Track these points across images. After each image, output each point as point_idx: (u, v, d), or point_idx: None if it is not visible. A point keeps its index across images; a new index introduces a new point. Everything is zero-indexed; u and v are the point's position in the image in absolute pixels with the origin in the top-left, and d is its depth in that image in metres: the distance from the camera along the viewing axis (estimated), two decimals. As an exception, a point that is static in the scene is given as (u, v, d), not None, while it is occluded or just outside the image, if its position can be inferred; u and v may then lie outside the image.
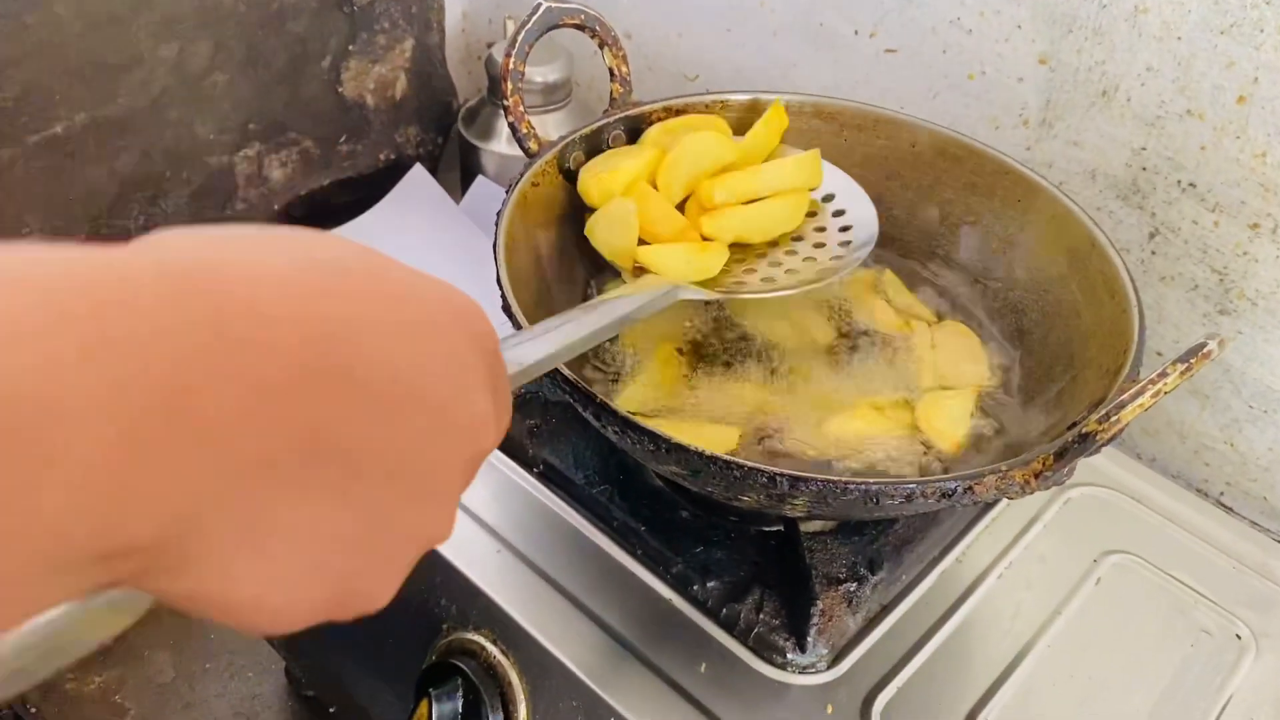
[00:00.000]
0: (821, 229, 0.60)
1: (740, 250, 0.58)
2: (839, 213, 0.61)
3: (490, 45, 0.97)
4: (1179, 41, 0.67)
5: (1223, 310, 0.71)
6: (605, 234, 0.55)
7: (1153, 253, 0.73)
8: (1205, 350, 0.40)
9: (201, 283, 0.22)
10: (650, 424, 0.44)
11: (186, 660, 0.68)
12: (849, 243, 0.58)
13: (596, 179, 0.57)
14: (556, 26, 0.59)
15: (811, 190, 0.61)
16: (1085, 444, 0.41)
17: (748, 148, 0.60)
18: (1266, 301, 0.69)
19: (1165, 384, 0.40)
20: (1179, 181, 0.70)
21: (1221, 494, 0.77)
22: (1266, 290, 0.69)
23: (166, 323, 0.21)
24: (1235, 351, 0.72)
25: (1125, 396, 0.40)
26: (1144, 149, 0.71)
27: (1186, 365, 0.40)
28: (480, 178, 0.96)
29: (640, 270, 0.55)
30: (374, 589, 0.26)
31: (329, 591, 0.25)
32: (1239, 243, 0.69)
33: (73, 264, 0.21)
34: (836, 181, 0.62)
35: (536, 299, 0.55)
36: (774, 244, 0.59)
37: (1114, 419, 0.40)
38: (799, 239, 0.60)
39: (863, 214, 0.60)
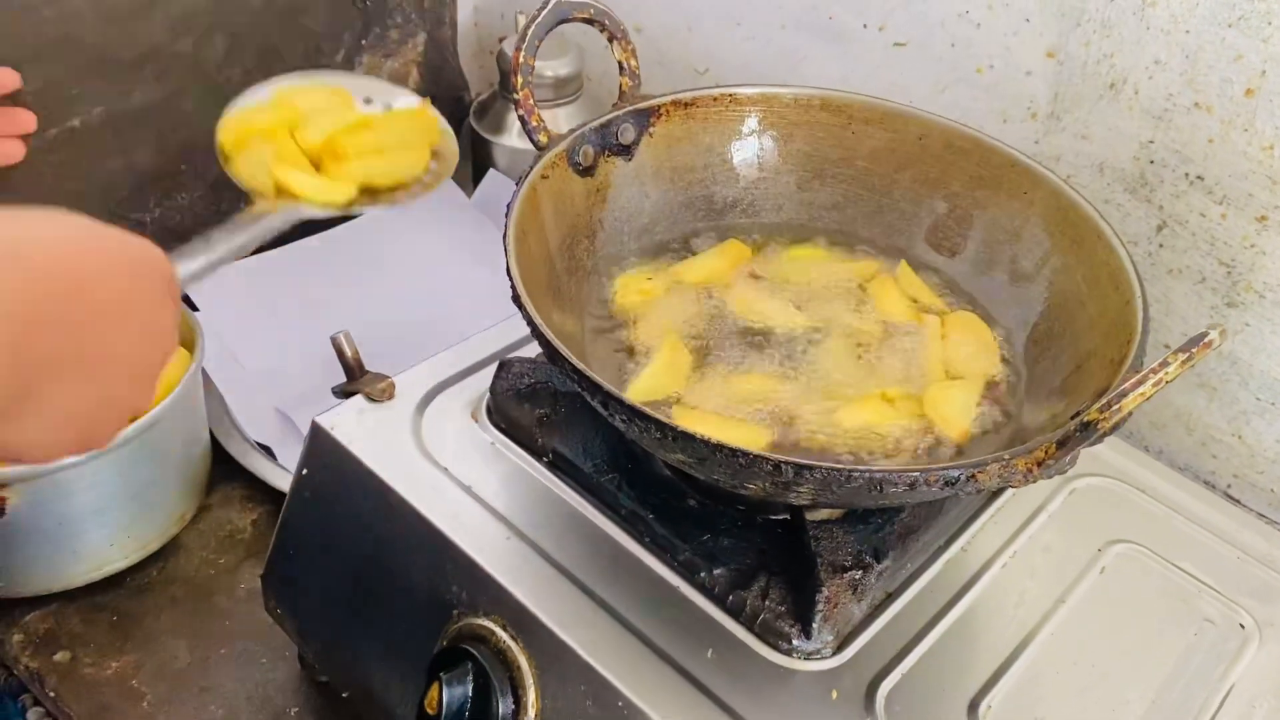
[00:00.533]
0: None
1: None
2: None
3: (502, 39, 0.98)
4: (1187, 34, 0.67)
5: (1230, 303, 0.72)
6: (248, 166, 0.57)
7: (1160, 245, 0.73)
8: (1206, 340, 0.40)
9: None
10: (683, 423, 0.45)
11: (202, 647, 0.69)
12: None
13: (231, 127, 0.58)
14: (566, 20, 0.60)
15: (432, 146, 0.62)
16: (1087, 433, 0.41)
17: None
18: (1274, 294, 0.69)
19: (1166, 373, 0.40)
20: (1187, 174, 0.71)
21: (1229, 486, 0.77)
22: (1274, 283, 0.69)
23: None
24: (1243, 344, 0.72)
25: (1126, 385, 0.40)
26: (1152, 142, 0.71)
27: (1188, 355, 0.40)
28: (492, 171, 0.97)
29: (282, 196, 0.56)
30: (103, 437, 0.42)
31: (76, 438, 0.40)
32: (1246, 235, 0.69)
33: None
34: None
35: (546, 289, 0.56)
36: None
37: (1115, 408, 0.40)
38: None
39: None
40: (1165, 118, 0.70)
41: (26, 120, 0.63)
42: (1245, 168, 0.68)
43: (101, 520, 0.67)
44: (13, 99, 0.61)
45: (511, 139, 0.97)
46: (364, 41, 0.94)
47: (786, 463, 0.44)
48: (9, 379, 0.36)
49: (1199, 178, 0.70)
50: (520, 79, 0.59)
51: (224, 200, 0.90)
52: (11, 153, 0.62)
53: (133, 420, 0.40)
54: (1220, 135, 0.68)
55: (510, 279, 0.51)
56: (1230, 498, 0.76)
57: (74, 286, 0.38)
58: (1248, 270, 0.70)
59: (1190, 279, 0.73)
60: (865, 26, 0.82)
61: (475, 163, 1.00)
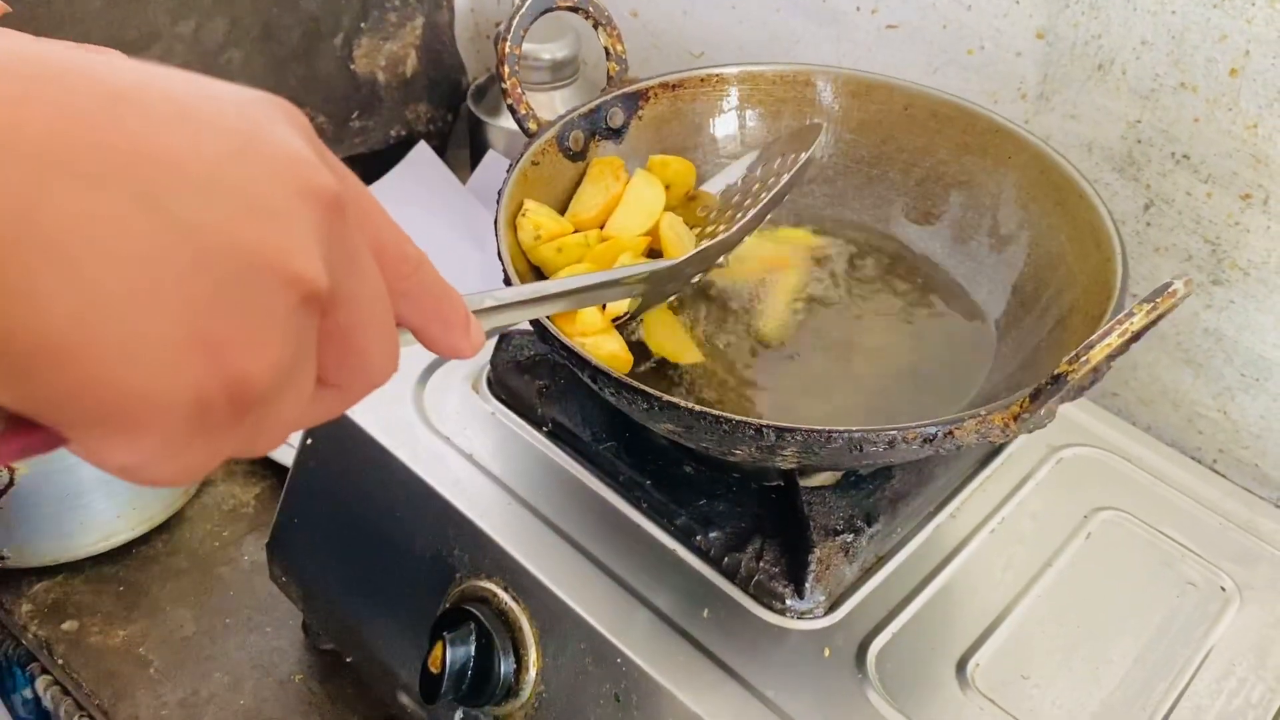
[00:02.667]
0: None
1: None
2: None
3: (499, 24, 0.99)
4: (1173, 15, 0.68)
5: (1216, 280, 0.73)
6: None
7: (1148, 224, 0.75)
8: (1171, 289, 0.41)
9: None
10: None
11: (207, 615, 0.70)
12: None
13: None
14: (551, 10, 0.61)
15: None
16: (1058, 385, 0.42)
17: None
18: (1258, 271, 0.71)
19: (1132, 323, 0.41)
20: (1173, 154, 0.72)
21: (1215, 461, 0.78)
22: (1258, 260, 0.71)
23: None
24: (1228, 320, 0.73)
25: (1094, 337, 0.41)
26: (1139, 122, 0.73)
27: (1153, 305, 0.41)
28: (491, 153, 0.98)
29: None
30: (244, 336, 0.23)
31: (175, 335, 0.22)
32: (1231, 213, 0.71)
33: None
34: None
35: (537, 274, 0.57)
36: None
37: (1084, 359, 0.41)
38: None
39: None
40: (1152, 98, 0.71)
41: None
42: (1230, 146, 0.69)
43: (108, 491, 0.69)
44: None
45: (509, 121, 0.96)
46: (362, 24, 0.95)
47: (768, 427, 0.45)
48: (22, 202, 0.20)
49: (1185, 157, 0.71)
50: (507, 69, 0.60)
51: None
52: None
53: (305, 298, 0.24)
54: (1205, 115, 0.69)
55: (501, 262, 0.52)
56: (1216, 472, 0.77)
57: (154, 86, 0.23)
58: (1232, 247, 0.72)
59: (1177, 256, 0.74)
60: (858, 9, 0.84)
61: (473, 145, 1.01)
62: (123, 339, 0.21)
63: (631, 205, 0.60)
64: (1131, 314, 0.41)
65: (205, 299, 0.22)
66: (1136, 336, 0.42)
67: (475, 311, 0.35)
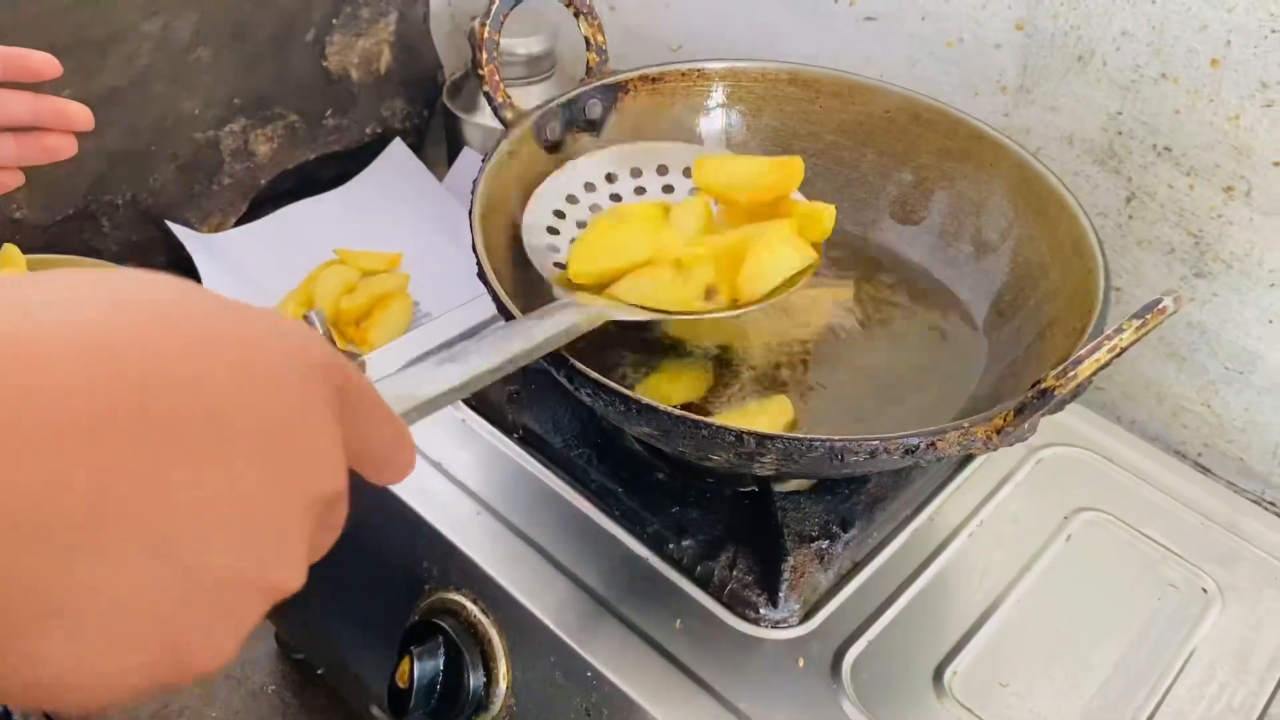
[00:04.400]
0: None
1: None
2: None
3: (474, 17, 0.98)
4: (1153, 5, 0.67)
5: (1198, 273, 0.72)
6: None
7: (1130, 217, 0.74)
8: (1160, 306, 0.41)
9: None
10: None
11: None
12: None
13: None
14: (532, -4, 0.60)
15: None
16: (1044, 399, 0.42)
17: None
18: (1241, 264, 0.70)
19: (1121, 339, 0.41)
20: (1154, 146, 0.71)
21: (1199, 455, 0.78)
22: (1240, 253, 0.70)
23: None
24: (1211, 314, 0.73)
25: (1082, 352, 0.41)
26: (1120, 113, 0.71)
27: (1142, 321, 0.41)
28: (467, 149, 0.97)
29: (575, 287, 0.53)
30: (211, 646, 0.24)
31: (154, 656, 0.23)
32: (1213, 205, 0.70)
33: None
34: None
35: (513, 267, 0.56)
36: None
37: (1071, 374, 0.41)
38: None
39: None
40: (1133, 89, 0.70)
41: (80, 116, 0.53)
42: (1211, 138, 0.68)
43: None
44: (37, 88, 0.54)
45: (486, 118, 0.96)
46: (335, 20, 0.93)
47: (748, 433, 0.44)
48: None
49: (1166, 149, 0.70)
50: (485, 54, 0.59)
51: (194, 183, 0.90)
52: (60, 147, 0.53)
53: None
54: (1187, 106, 0.68)
55: (476, 255, 0.51)
56: (1200, 467, 0.77)
57: (134, 391, 0.22)
58: (1215, 240, 0.71)
59: (1160, 250, 0.73)
60: (836, 1, 0.82)
61: (450, 141, 1.00)
62: (92, 680, 0.23)
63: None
64: (1121, 330, 0.40)
65: (186, 617, 0.24)
66: (1123, 352, 0.41)
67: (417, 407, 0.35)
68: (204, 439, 0.23)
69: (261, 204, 0.94)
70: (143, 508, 0.22)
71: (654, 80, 0.65)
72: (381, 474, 0.31)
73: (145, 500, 0.22)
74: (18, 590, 0.21)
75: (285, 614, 0.63)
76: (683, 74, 0.65)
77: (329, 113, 0.96)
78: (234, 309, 0.25)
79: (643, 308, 0.52)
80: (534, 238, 0.57)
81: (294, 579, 0.26)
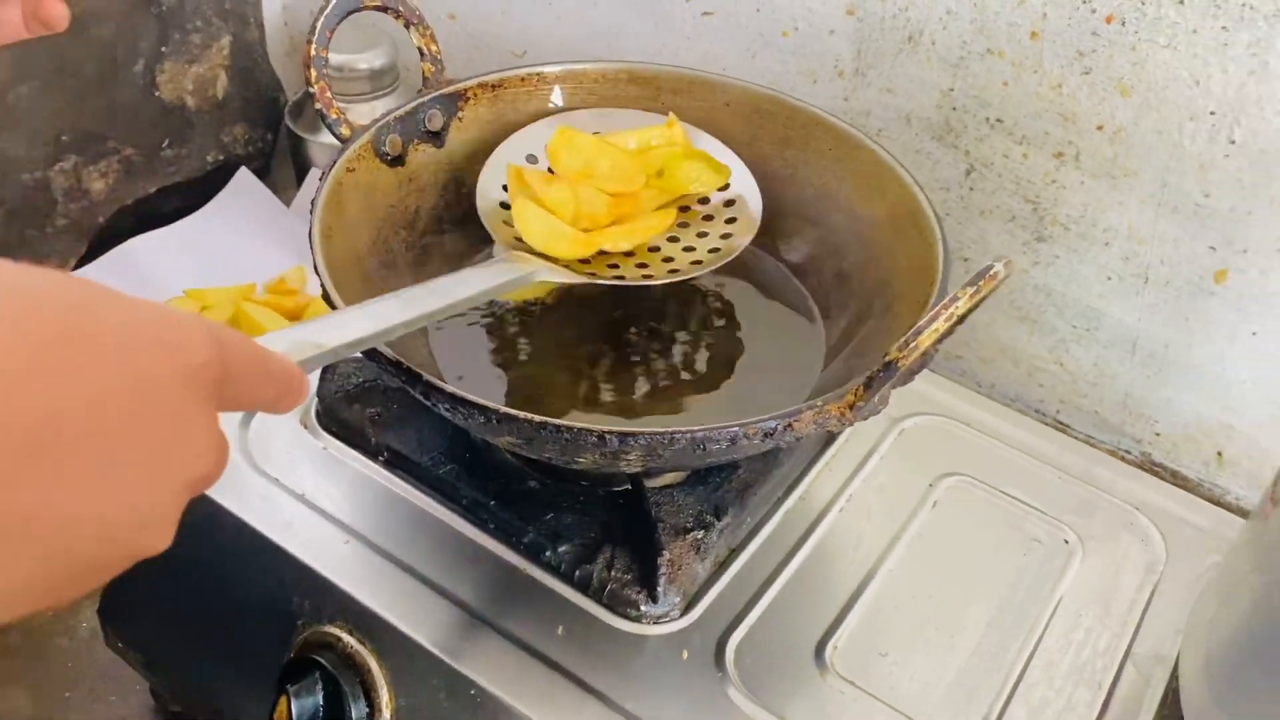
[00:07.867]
0: (710, 218, 0.60)
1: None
2: (730, 202, 0.61)
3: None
4: (972, -17, 0.69)
5: (1040, 238, 0.75)
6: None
7: (971, 189, 0.76)
8: (992, 272, 0.42)
9: None
10: None
11: (45, 692, 0.66)
12: (730, 235, 0.59)
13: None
14: (358, 10, 0.58)
15: (721, 189, 0.61)
16: (890, 372, 0.43)
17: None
18: (1077, 225, 0.73)
19: (957, 308, 0.42)
20: (987, 119, 0.73)
21: (1058, 412, 0.81)
22: (1076, 215, 0.73)
23: None
24: (1055, 275, 0.75)
25: (921, 323, 0.42)
26: (952, 90, 0.74)
27: (976, 288, 0.42)
28: (314, 170, 0.95)
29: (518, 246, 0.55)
30: (64, 596, 0.26)
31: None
32: (1047, 172, 0.72)
33: None
34: (739, 174, 0.62)
35: (360, 285, 0.55)
36: None
37: (912, 345, 0.42)
38: (685, 225, 0.60)
39: (750, 210, 0.60)
40: (962, 65, 0.73)
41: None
42: (1039, 107, 0.71)
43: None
44: None
45: (331, 136, 0.94)
46: (164, 49, 0.90)
47: (610, 433, 0.44)
48: None
49: (999, 120, 0.73)
50: (314, 72, 0.57)
51: (27, 228, 0.86)
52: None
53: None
54: (1013, 78, 0.71)
55: (318, 275, 0.50)
56: (1060, 423, 0.80)
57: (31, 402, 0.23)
58: (1052, 205, 0.73)
59: (1001, 218, 0.76)
60: (673, -3, 0.83)
61: (297, 164, 0.97)
62: None
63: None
64: (956, 299, 0.41)
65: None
66: (962, 319, 0.42)
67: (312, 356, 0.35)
68: (80, 450, 0.24)
69: (103, 244, 0.90)
70: (28, 515, 0.23)
71: (494, 87, 0.64)
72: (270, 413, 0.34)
73: (30, 511, 0.23)
74: None
75: (157, 667, 0.60)
76: (522, 79, 0.65)
77: (166, 143, 0.92)
78: (111, 306, 0.26)
79: (569, 269, 0.54)
80: (484, 201, 0.59)
81: (163, 546, 0.28)
